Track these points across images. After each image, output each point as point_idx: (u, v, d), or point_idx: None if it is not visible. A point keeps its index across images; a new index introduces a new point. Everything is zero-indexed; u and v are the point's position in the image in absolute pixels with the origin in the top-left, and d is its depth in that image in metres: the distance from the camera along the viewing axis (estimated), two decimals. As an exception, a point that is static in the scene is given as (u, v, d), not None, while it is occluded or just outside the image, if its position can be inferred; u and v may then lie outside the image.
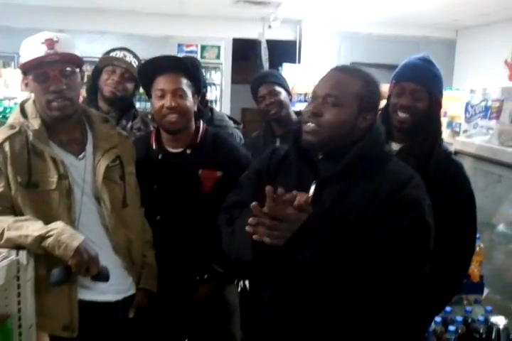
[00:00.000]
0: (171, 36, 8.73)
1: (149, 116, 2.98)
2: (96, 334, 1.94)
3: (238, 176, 1.95)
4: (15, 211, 1.81)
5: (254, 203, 1.52)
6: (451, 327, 2.18)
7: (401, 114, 1.99)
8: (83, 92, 2.82)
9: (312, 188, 1.65)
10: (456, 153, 3.17)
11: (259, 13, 8.04)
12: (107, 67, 2.69)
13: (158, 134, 2.26)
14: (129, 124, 2.74)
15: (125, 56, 2.71)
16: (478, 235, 2.32)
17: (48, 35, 1.83)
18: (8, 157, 1.80)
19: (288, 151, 1.79)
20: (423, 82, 2.00)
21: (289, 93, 3.07)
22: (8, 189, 1.79)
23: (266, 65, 7.89)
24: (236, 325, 2.29)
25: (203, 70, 3.51)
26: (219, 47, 8.98)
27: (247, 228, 1.52)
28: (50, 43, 1.80)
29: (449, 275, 1.96)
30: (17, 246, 1.70)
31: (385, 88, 1.81)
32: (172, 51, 8.31)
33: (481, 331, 2.20)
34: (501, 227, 2.93)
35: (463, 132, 3.29)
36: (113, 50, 2.76)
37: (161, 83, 2.12)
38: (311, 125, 1.63)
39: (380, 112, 1.88)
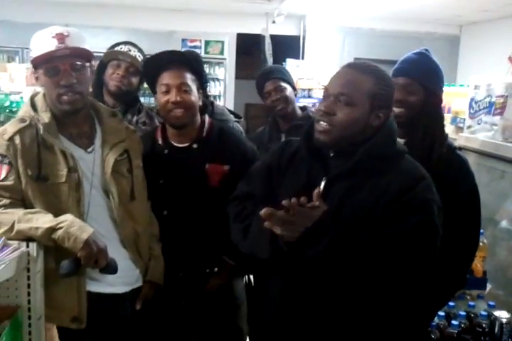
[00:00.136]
0: (175, 31, 8.73)
1: (154, 111, 2.99)
2: (104, 326, 1.96)
3: (245, 170, 1.97)
4: (25, 203, 1.83)
5: (284, 201, 1.50)
6: (454, 322, 2.20)
7: (395, 109, 1.98)
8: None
9: (322, 184, 1.65)
10: (460, 148, 3.18)
11: (263, 8, 8.04)
12: (111, 62, 2.70)
13: (163, 129, 2.27)
14: (135, 118, 2.75)
15: (130, 50, 2.71)
16: (481, 230, 2.33)
17: (59, 29, 1.84)
18: (19, 150, 1.81)
19: (299, 147, 1.79)
20: (415, 75, 2.00)
21: (294, 88, 3.08)
22: (19, 182, 1.81)
23: (270, 60, 7.89)
24: (243, 318, 2.30)
25: (207, 65, 3.51)
26: (223, 43, 8.97)
27: (262, 213, 1.51)
28: (61, 37, 1.81)
29: (453, 269, 1.97)
30: (27, 238, 1.72)
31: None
32: (176, 46, 8.30)
33: (484, 325, 2.22)
34: (504, 223, 2.94)
35: (467, 128, 3.29)
36: (118, 44, 2.77)
37: (166, 78, 2.13)
38: (323, 124, 1.63)
39: None
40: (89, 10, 8.06)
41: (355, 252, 1.52)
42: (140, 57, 2.74)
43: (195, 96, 2.16)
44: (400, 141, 2.02)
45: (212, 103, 3.14)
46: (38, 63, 1.86)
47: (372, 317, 1.64)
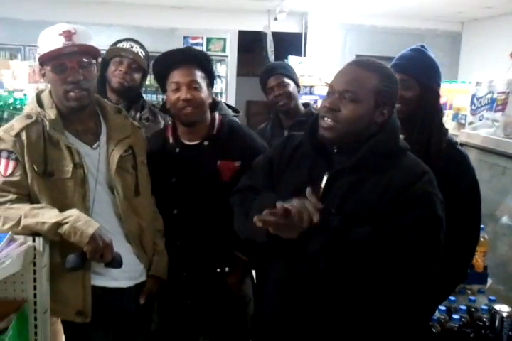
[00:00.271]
0: (177, 28, 8.74)
1: (156, 107, 3.00)
2: (108, 320, 1.98)
3: None
4: (31, 199, 1.85)
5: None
6: (455, 316, 2.21)
7: None
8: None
9: (324, 180, 1.67)
10: (462, 145, 3.19)
11: (264, 6, 8.04)
12: (114, 59, 2.70)
13: (174, 128, 2.27)
14: (138, 115, 2.76)
15: (132, 47, 2.72)
16: (482, 226, 2.35)
17: (66, 26, 1.85)
18: (25, 146, 1.83)
19: (302, 141, 1.80)
20: (410, 71, 2.01)
21: (297, 85, 3.09)
22: (25, 177, 1.83)
23: (271, 58, 7.89)
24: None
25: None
26: (224, 40, 8.98)
27: (256, 219, 1.53)
28: (68, 35, 1.83)
29: (454, 264, 1.98)
30: (33, 232, 1.75)
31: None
32: (178, 43, 8.33)
33: (485, 319, 2.23)
34: (505, 219, 2.95)
35: (468, 124, 3.30)
36: (120, 41, 2.77)
37: (176, 76, 2.13)
38: (328, 120, 1.64)
39: None
40: (91, 7, 8.08)
41: (356, 248, 1.53)
42: (142, 54, 2.75)
43: (205, 94, 2.16)
44: (400, 136, 2.04)
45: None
46: (45, 60, 1.87)
47: (374, 311, 1.65)
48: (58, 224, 1.74)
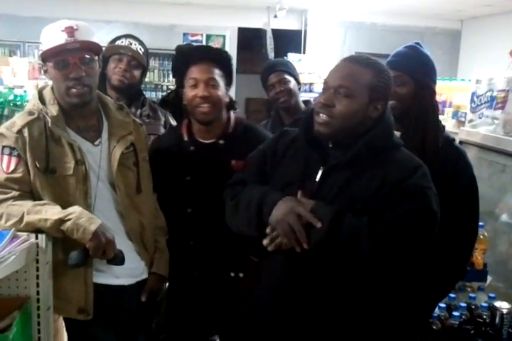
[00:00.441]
0: (176, 25, 8.74)
1: (156, 103, 3.01)
2: (110, 317, 1.99)
3: None
4: (33, 196, 1.85)
5: None
6: (456, 313, 2.22)
7: None
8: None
9: (319, 174, 1.69)
10: (462, 142, 3.20)
11: (264, 3, 8.03)
12: (113, 56, 2.70)
13: (189, 125, 2.25)
14: (139, 111, 2.77)
15: (131, 44, 2.72)
16: (482, 223, 2.36)
17: (68, 23, 1.85)
18: (27, 143, 1.83)
19: (297, 136, 1.83)
20: (404, 68, 2.02)
21: (298, 82, 3.10)
22: (27, 174, 1.83)
23: (271, 55, 7.89)
24: None
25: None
26: (224, 37, 8.97)
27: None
28: (70, 31, 1.83)
29: (453, 260, 1.99)
30: (36, 229, 1.75)
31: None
32: (177, 40, 8.31)
33: (485, 316, 2.24)
34: (505, 217, 2.96)
35: (468, 122, 3.31)
36: (118, 38, 2.78)
37: (195, 72, 2.12)
38: (323, 116, 1.66)
39: None
40: (91, 4, 8.06)
41: (355, 232, 1.56)
42: (141, 51, 2.75)
43: (222, 92, 2.15)
44: (396, 133, 2.05)
45: None
46: (47, 56, 1.87)
47: (373, 308, 1.68)
48: (61, 221, 1.74)
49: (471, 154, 3.12)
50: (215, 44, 8.91)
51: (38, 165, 1.83)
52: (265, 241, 1.67)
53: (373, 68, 1.67)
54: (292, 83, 3.03)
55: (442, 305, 2.27)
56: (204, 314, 2.25)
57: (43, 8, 7.67)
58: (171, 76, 9.18)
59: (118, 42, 2.74)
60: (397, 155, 1.69)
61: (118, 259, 1.86)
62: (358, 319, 1.68)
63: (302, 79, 5.91)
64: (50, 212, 1.76)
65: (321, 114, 1.67)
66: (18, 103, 3.39)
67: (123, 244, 1.94)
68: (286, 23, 8.66)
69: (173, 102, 3.35)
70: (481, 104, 3.15)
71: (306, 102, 3.16)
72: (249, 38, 9.21)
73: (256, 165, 1.89)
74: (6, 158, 1.83)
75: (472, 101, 3.24)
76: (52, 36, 1.85)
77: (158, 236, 2.15)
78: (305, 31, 8.87)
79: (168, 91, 5.69)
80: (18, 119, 1.88)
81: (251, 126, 2.33)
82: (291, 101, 3.01)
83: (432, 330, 2.18)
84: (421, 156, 1.76)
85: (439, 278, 1.98)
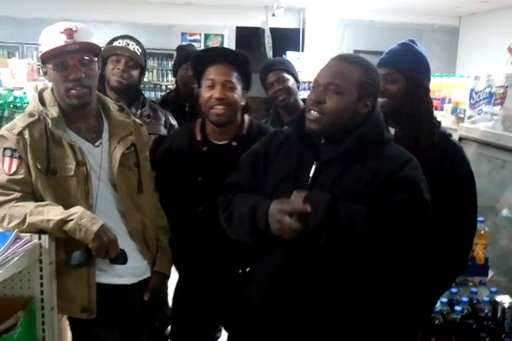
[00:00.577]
0: (175, 25, 8.75)
1: (156, 103, 3.01)
2: (113, 316, 2.00)
3: None
4: (35, 197, 1.86)
5: None
6: (457, 308, 2.23)
7: (379, 99, 2.02)
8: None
9: (312, 169, 1.73)
10: (461, 138, 3.21)
11: (262, 1, 8.04)
12: (111, 57, 2.70)
13: (203, 125, 2.26)
14: (139, 112, 2.76)
15: (128, 44, 2.71)
16: (482, 219, 2.37)
17: (67, 24, 1.86)
18: (28, 144, 1.84)
19: (289, 135, 1.87)
20: (395, 65, 2.03)
21: (297, 80, 3.11)
22: (29, 175, 1.84)
23: (269, 53, 7.89)
24: None
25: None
26: (222, 36, 8.98)
27: None
28: (70, 33, 1.84)
29: (452, 255, 2.01)
30: (39, 230, 1.76)
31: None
32: (176, 40, 8.34)
33: (487, 311, 2.25)
34: (505, 212, 2.97)
35: (467, 118, 3.32)
36: (115, 39, 2.77)
37: (212, 73, 2.12)
38: (314, 113, 1.70)
39: None
40: (89, 5, 8.07)
41: (354, 219, 1.59)
42: (139, 51, 2.74)
43: (238, 95, 2.14)
44: (391, 130, 2.06)
45: None
46: (47, 58, 1.88)
47: (374, 304, 1.70)
48: (63, 222, 1.75)
49: (471, 150, 3.13)
50: (214, 43, 8.94)
51: (39, 167, 1.84)
52: None
53: (362, 66, 1.72)
54: (291, 81, 3.04)
55: (444, 299, 2.28)
56: (211, 310, 2.26)
57: (42, 9, 7.69)
58: (169, 76, 9.21)
59: (115, 43, 2.74)
60: (387, 150, 1.74)
61: (120, 259, 1.87)
62: (359, 315, 1.70)
63: (301, 78, 5.91)
64: (53, 212, 1.77)
65: (312, 111, 1.71)
66: (18, 104, 3.40)
67: (125, 243, 1.95)
68: (285, 21, 8.67)
69: (173, 102, 3.37)
70: (480, 100, 3.16)
71: (305, 100, 3.16)
72: (248, 37, 9.21)
73: (248, 167, 1.92)
74: (7, 159, 1.84)
75: (471, 97, 3.25)
76: (52, 38, 1.85)
77: (160, 235, 2.16)
78: (303, 29, 8.88)
79: (167, 90, 5.69)
80: (19, 121, 1.89)
81: (265, 128, 2.33)
82: (290, 100, 3.03)
83: (434, 325, 2.19)
84: (415, 153, 1.79)
85: (439, 273, 1.99)
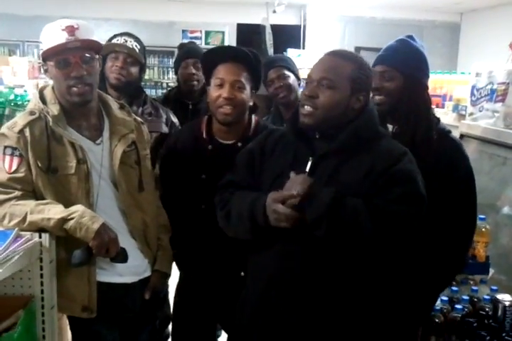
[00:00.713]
0: (175, 22, 8.74)
1: (157, 101, 3.00)
2: (113, 315, 2.00)
3: None
4: (36, 195, 1.86)
5: None
6: (458, 306, 2.22)
7: (376, 97, 2.02)
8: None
9: (309, 164, 1.74)
10: (462, 136, 3.20)
11: (263, -2, 8.02)
12: (110, 55, 2.69)
13: (209, 123, 2.24)
14: (140, 109, 2.76)
15: (126, 41, 2.71)
16: (484, 216, 2.36)
17: (68, 22, 1.85)
18: (29, 142, 1.83)
19: (284, 133, 1.89)
20: (391, 62, 2.02)
21: (297, 77, 3.10)
22: (30, 173, 1.84)
23: (270, 50, 7.89)
24: None
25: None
26: (223, 33, 8.97)
27: None
28: (71, 30, 1.83)
29: (452, 252, 2.00)
30: (39, 228, 1.76)
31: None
32: (176, 37, 8.33)
33: (487, 309, 2.25)
34: (506, 209, 2.96)
35: (468, 115, 3.30)
36: (114, 36, 2.77)
37: (222, 72, 2.10)
38: (307, 107, 1.73)
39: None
40: (90, 2, 8.06)
41: (354, 212, 1.61)
42: (137, 47, 2.73)
43: (246, 95, 2.13)
44: (389, 127, 2.06)
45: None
46: (48, 55, 1.87)
47: (374, 302, 1.71)
48: (64, 220, 1.75)
49: (472, 147, 3.13)
50: (214, 40, 8.92)
51: (39, 165, 1.84)
52: None
53: (354, 61, 1.74)
54: (292, 78, 3.04)
55: (445, 298, 2.28)
56: (212, 310, 2.26)
57: (42, 7, 7.68)
58: (170, 73, 9.20)
59: (114, 41, 2.74)
60: (382, 144, 1.75)
61: (121, 257, 1.87)
62: (358, 313, 1.70)
63: (302, 75, 5.92)
64: (53, 211, 1.77)
65: (305, 106, 1.73)
66: (19, 102, 3.39)
67: (126, 242, 1.95)
68: (285, 18, 8.66)
69: (175, 99, 3.36)
70: (481, 97, 3.15)
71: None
72: (248, 34, 9.19)
73: (244, 165, 1.92)
74: (8, 158, 1.84)
75: (472, 94, 3.24)
76: (53, 35, 1.85)
77: (161, 233, 2.15)
78: (304, 26, 8.87)
79: (168, 88, 5.68)
80: (20, 119, 1.89)
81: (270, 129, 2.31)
82: (291, 97, 3.02)
83: (435, 323, 2.19)
84: (412, 149, 1.79)
85: (439, 270, 1.99)
